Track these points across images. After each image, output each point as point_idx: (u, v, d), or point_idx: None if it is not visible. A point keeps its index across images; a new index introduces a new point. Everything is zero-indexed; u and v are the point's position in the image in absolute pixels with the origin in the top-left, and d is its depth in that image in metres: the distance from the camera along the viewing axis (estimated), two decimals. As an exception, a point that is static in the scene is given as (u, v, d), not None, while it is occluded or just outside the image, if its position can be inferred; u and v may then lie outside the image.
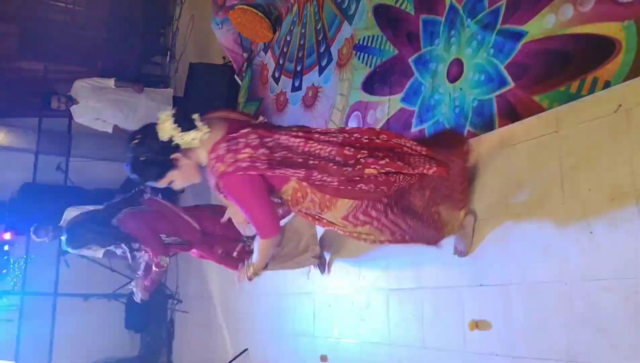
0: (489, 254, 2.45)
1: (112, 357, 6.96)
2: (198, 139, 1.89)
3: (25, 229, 6.26)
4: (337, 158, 1.96)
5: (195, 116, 1.91)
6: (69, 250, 3.65)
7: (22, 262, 6.29)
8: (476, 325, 2.46)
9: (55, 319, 6.49)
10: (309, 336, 3.76)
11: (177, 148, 1.89)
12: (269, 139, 1.90)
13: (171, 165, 1.92)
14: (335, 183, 1.97)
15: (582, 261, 2.06)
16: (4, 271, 6.05)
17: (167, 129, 1.87)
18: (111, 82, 5.60)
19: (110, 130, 5.60)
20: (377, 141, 2.04)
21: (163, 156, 1.90)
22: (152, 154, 1.89)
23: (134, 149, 1.91)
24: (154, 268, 3.49)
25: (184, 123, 1.88)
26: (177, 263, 6.33)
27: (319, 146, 1.96)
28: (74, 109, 5.47)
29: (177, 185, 2.01)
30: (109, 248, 3.66)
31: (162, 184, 1.98)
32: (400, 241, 2.27)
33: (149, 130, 1.90)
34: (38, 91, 7.09)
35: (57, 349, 6.43)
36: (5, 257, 6.05)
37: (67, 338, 6.52)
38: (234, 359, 4.67)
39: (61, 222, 5.38)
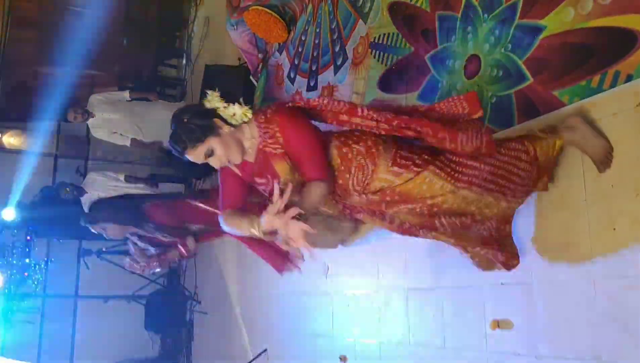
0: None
1: (132, 358, 7.00)
2: (240, 116, 1.98)
3: (46, 232, 6.36)
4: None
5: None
6: (88, 226, 3.48)
7: (42, 265, 6.37)
8: (498, 324, 2.43)
9: (76, 321, 6.58)
10: (327, 336, 3.75)
11: (220, 117, 1.97)
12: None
13: (212, 129, 1.95)
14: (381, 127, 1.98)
15: (606, 259, 2.02)
16: (25, 274, 6.12)
17: (213, 99, 1.98)
18: (126, 94, 5.71)
19: (128, 143, 5.67)
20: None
21: (206, 118, 1.96)
22: (195, 115, 1.96)
23: (178, 113, 1.99)
24: (179, 253, 3.46)
25: (229, 97, 1.99)
26: (195, 264, 6.36)
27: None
28: (91, 122, 5.56)
29: (216, 159, 1.98)
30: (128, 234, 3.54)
31: (200, 153, 1.96)
32: (484, 187, 2.06)
33: (194, 104, 2.01)
34: (56, 95, 7.19)
35: (78, 350, 6.52)
36: (26, 260, 6.12)
37: (88, 339, 6.60)
38: (253, 359, 4.67)
39: (82, 183, 5.51)
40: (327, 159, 2.03)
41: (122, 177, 5.70)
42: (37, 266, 6.25)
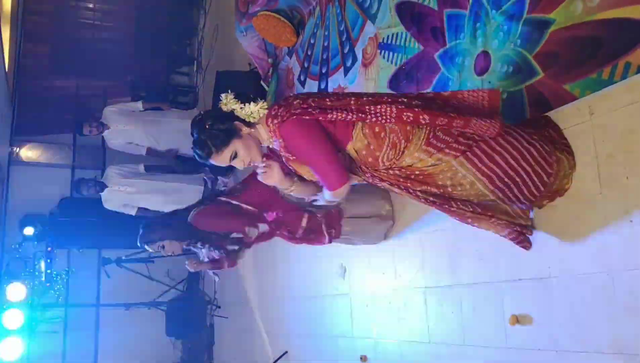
0: (526, 247, 2.41)
1: (155, 364, 7.09)
2: (257, 112, 2.02)
3: (66, 243, 6.46)
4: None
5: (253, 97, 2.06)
6: (145, 247, 3.45)
7: (64, 275, 6.46)
8: (517, 319, 2.42)
9: (98, 329, 6.66)
10: (347, 337, 3.77)
11: (238, 118, 2.03)
12: (318, 93, 2.09)
13: (235, 132, 2.01)
14: (395, 114, 1.98)
15: (624, 251, 2.02)
16: (48, 284, 6.21)
17: (229, 102, 2.03)
18: (139, 104, 5.77)
19: (144, 153, 5.76)
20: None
21: (227, 121, 2.01)
22: (216, 120, 2.01)
23: (198, 120, 2.04)
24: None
25: (244, 97, 2.04)
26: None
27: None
28: (106, 135, 5.64)
29: (240, 161, 2.06)
30: (188, 247, 3.52)
31: (226, 156, 2.03)
32: (502, 187, 2.12)
33: (212, 109, 2.07)
34: (71, 107, 7.30)
35: (102, 358, 6.60)
36: (48, 271, 6.21)
37: (111, 347, 6.69)
38: (274, 362, 4.70)
39: (103, 178, 5.56)
40: (342, 162, 2.05)
41: (141, 168, 5.70)
42: (58, 277, 6.35)
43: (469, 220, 2.23)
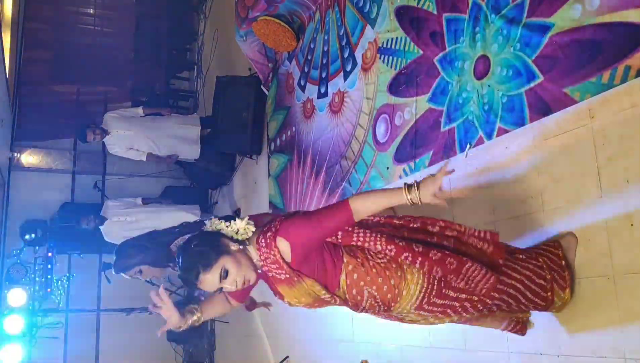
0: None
1: (156, 370, 7.07)
2: (244, 229, 1.93)
3: (66, 248, 6.46)
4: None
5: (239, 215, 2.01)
6: (121, 274, 3.23)
7: (64, 280, 6.45)
8: (518, 324, 2.42)
9: (99, 334, 6.65)
10: (348, 341, 3.76)
11: (226, 236, 1.92)
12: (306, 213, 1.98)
13: (223, 248, 1.87)
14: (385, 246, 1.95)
15: (625, 254, 2.01)
16: (48, 290, 6.20)
17: (215, 223, 1.95)
18: (139, 110, 5.78)
19: (144, 158, 5.76)
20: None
21: (215, 241, 1.88)
22: (202, 240, 1.90)
23: (186, 243, 1.93)
24: None
25: (229, 217, 1.96)
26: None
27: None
28: (106, 140, 5.65)
29: (232, 280, 1.87)
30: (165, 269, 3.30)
31: (216, 274, 1.84)
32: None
33: (199, 232, 1.97)
34: (71, 113, 7.32)
35: (103, 364, 6.58)
36: (48, 276, 6.21)
37: (112, 352, 6.67)
38: (275, 367, 4.69)
39: (102, 212, 5.59)
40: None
41: (139, 201, 5.83)
42: (59, 282, 6.34)
43: (467, 323, 2.28)
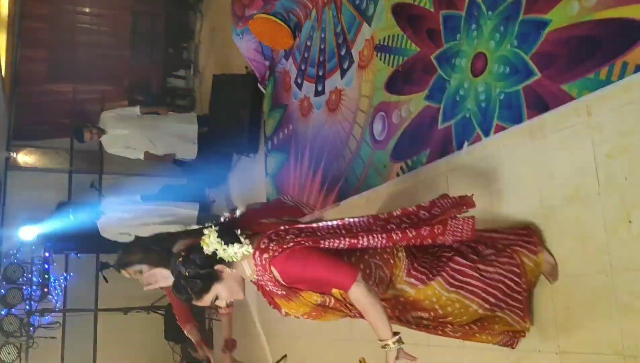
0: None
1: (154, 369, 7.06)
2: (241, 254, 1.93)
3: (63, 248, 6.44)
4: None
5: (239, 232, 1.97)
6: (121, 271, 3.21)
7: (62, 280, 6.44)
8: (516, 321, 2.41)
9: (97, 334, 6.63)
10: (346, 340, 3.75)
11: (221, 261, 1.94)
12: (308, 226, 1.97)
13: (215, 277, 1.94)
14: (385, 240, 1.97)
15: (623, 252, 2.01)
16: (46, 289, 6.19)
17: (211, 242, 1.93)
18: (136, 109, 5.76)
19: (142, 157, 5.73)
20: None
21: (207, 268, 1.93)
22: (197, 267, 1.93)
23: (179, 266, 1.95)
24: None
25: (227, 237, 1.94)
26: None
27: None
28: (103, 140, 5.62)
29: (222, 301, 2.00)
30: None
31: (207, 301, 1.97)
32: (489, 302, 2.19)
33: (194, 247, 1.97)
34: (69, 112, 7.30)
35: (100, 363, 6.57)
36: (45, 276, 6.20)
37: (110, 352, 6.66)
38: (273, 366, 4.69)
39: (101, 207, 5.60)
40: (345, 259, 2.01)
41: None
42: (56, 282, 6.33)
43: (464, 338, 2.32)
